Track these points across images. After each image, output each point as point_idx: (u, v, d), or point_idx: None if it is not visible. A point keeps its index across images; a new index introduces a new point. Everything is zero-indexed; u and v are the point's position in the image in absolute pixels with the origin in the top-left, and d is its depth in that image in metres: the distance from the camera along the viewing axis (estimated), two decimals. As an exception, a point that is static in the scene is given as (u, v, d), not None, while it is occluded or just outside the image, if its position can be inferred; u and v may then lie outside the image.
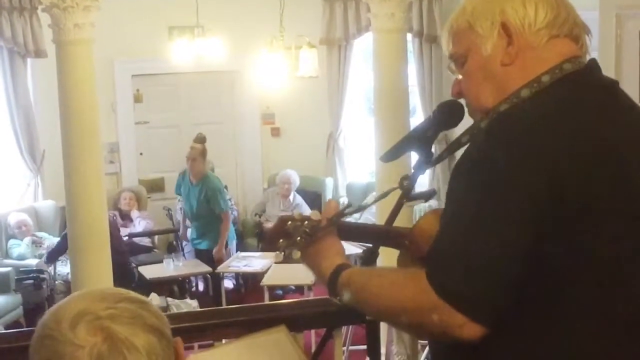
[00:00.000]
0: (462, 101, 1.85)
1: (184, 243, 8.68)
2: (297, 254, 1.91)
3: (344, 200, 9.64)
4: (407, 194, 1.91)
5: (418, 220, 1.85)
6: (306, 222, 1.94)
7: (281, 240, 1.94)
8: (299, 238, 1.91)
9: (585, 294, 1.57)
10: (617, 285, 1.59)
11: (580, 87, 1.67)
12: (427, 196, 1.89)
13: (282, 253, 1.92)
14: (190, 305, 7.49)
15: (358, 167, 10.14)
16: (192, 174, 8.04)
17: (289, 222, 1.97)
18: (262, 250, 8.36)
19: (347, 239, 2.05)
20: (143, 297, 1.36)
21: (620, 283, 1.59)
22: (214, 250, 8.02)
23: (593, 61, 1.74)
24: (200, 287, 8.76)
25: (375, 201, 1.97)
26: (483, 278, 1.53)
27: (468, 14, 1.75)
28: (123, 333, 1.26)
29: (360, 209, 1.99)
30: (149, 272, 7.94)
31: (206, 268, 7.97)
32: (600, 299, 1.58)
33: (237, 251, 8.44)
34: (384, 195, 1.99)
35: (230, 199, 8.71)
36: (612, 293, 1.59)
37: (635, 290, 1.61)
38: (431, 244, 1.64)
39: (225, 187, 8.57)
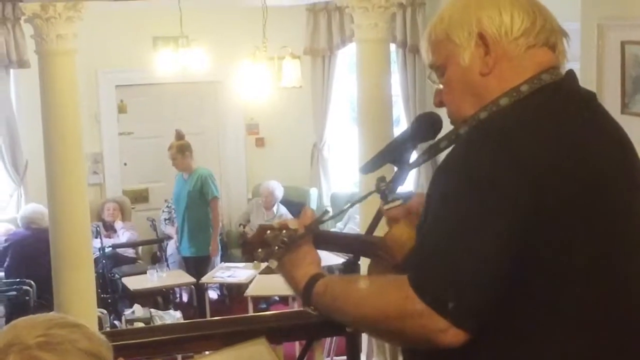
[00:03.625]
0: (442, 111, 1.85)
1: (169, 253, 8.71)
2: (274, 264, 1.89)
3: (328, 210, 9.63)
4: (384, 196, 1.87)
5: (390, 229, 1.85)
6: (284, 231, 1.92)
7: (259, 250, 1.93)
8: (276, 247, 1.89)
9: (566, 304, 1.58)
10: (596, 292, 1.60)
11: (559, 97, 1.68)
12: (405, 198, 1.86)
13: (260, 262, 1.92)
14: (174, 316, 7.47)
15: (342, 178, 10.12)
16: (183, 171, 8.25)
17: (268, 232, 1.95)
18: (244, 259, 8.36)
19: (323, 248, 2.04)
20: (77, 321, 1.34)
21: (599, 291, 1.60)
22: (211, 244, 8.15)
23: (571, 72, 1.75)
24: (185, 298, 8.74)
25: (352, 205, 1.94)
26: (467, 284, 1.53)
27: (445, 23, 1.75)
28: None
29: (338, 214, 1.98)
30: (133, 283, 7.92)
31: (190, 279, 7.97)
32: (580, 308, 1.59)
33: (221, 262, 8.43)
34: (361, 199, 1.97)
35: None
36: (592, 301, 1.60)
37: (616, 295, 1.62)
38: (413, 249, 1.64)
39: None
